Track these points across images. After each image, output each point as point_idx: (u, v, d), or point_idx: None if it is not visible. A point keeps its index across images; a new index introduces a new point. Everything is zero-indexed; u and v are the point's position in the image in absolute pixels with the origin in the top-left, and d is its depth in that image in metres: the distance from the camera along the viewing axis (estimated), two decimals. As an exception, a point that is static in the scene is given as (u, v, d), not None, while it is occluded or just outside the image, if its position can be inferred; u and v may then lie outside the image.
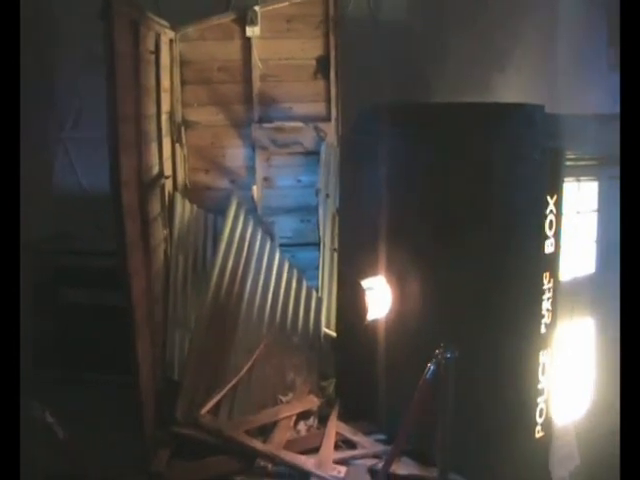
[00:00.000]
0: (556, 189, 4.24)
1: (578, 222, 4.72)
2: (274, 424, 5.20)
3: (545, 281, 4.24)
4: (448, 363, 3.90)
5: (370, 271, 5.06)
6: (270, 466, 4.70)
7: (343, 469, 4.66)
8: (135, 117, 5.11)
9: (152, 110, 5.87)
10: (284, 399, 5.55)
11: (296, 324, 6.23)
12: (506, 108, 4.54)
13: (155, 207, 5.79)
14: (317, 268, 6.69)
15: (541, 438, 4.35)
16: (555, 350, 4.35)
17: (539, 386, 4.29)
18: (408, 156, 4.90)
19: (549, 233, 4.22)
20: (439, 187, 4.67)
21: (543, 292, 4.24)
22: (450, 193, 4.60)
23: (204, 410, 5.16)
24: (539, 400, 4.30)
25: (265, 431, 5.14)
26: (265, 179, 7.02)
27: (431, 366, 3.96)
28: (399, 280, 4.94)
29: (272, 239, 6.64)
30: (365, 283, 5.02)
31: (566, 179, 4.37)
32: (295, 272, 6.54)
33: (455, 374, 3.94)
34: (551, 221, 4.21)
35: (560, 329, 4.40)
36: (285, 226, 6.99)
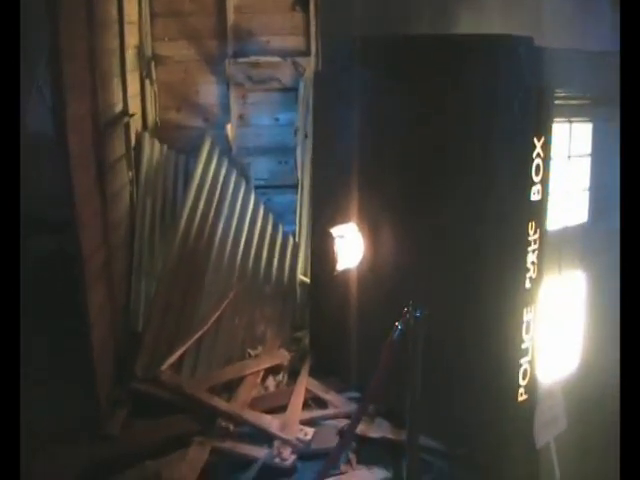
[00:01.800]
0: (543, 131, 3.83)
1: (569, 167, 4.33)
2: (240, 380, 4.91)
3: (530, 231, 3.86)
4: (417, 322, 3.57)
5: (342, 218, 4.73)
6: (232, 427, 4.41)
7: (310, 430, 4.37)
8: (88, 52, 4.69)
9: (114, 44, 5.49)
10: (253, 353, 5.27)
11: (270, 272, 5.94)
12: (488, 40, 4.09)
13: (117, 149, 5.44)
14: (294, 212, 6.38)
15: (524, 401, 4.02)
16: (541, 307, 4.01)
17: (522, 346, 3.93)
18: (383, 94, 4.53)
19: (535, 179, 3.82)
20: (416, 128, 4.31)
21: (528, 243, 3.86)
22: (428, 134, 4.23)
23: (166, 365, 4.85)
24: (522, 361, 3.95)
25: (231, 388, 4.85)
26: (240, 117, 6.61)
27: (399, 326, 3.64)
28: (372, 228, 4.62)
29: (247, 181, 6.32)
30: (335, 230, 4.68)
31: (556, 120, 3.97)
32: (271, 217, 6.25)
33: (424, 333, 3.62)
34: (538, 166, 3.81)
35: (547, 284, 4.04)
36: (261, 167, 6.60)
